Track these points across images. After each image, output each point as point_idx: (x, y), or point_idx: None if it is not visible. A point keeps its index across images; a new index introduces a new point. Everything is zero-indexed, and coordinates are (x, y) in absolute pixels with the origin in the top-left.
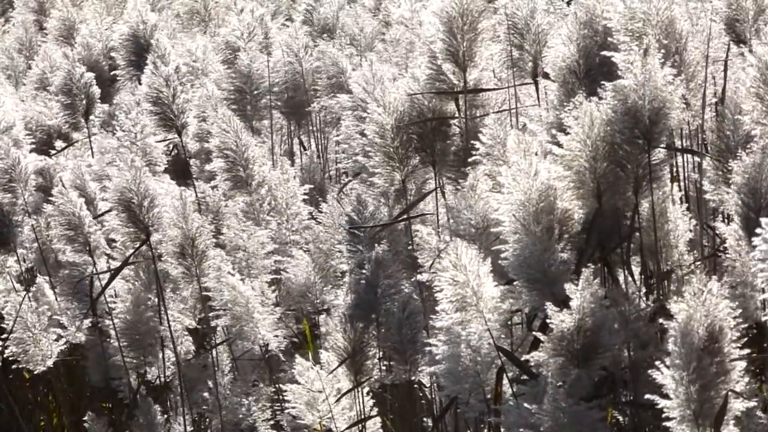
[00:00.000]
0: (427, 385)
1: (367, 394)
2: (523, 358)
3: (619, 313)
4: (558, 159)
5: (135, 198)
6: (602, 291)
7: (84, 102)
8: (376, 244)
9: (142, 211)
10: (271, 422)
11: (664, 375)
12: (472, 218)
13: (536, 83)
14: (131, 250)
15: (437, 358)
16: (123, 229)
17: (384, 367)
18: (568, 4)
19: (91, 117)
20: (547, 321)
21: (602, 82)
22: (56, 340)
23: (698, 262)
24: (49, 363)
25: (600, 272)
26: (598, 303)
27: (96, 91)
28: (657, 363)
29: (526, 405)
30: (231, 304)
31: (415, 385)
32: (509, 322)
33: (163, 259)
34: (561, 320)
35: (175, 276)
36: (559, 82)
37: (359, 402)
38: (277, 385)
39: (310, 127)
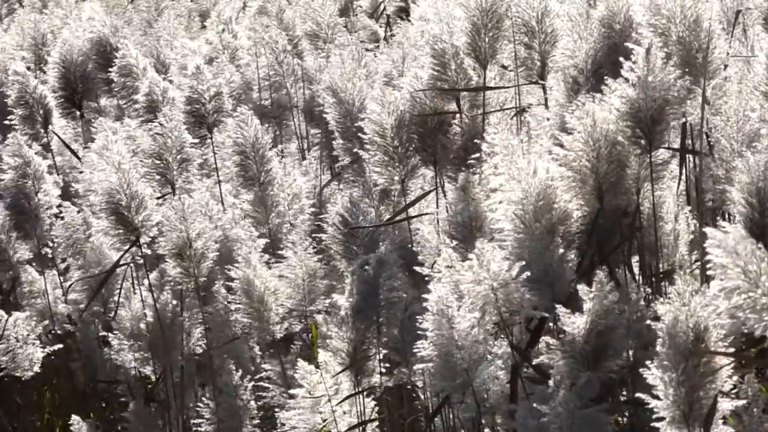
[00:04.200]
0: (420, 386)
1: (368, 396)
2: (535, 362)
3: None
4: (560, 158)
5: (123, 200)
6: (615, 295)
7: (42, 113)
8: (380, 244)
9: (131, 213)
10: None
11: (654, 376)
12: (464, 219)
13: (544, 83)
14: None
15: (426, 357)
16: (112, 232)
17: (384, 369)
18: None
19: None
20: (558, 324)
21: (607, 82)
22: (42, 346)
23: (698, 263)
24: (36, 369)
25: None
26: (610, 306)
27: (52, 102)
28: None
29: (535, 406)
30: (249, 298)
31: (409, 386)
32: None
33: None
34: (572, 322)
35: (173, 276)
36: (566, 80)
37: (359, 404)
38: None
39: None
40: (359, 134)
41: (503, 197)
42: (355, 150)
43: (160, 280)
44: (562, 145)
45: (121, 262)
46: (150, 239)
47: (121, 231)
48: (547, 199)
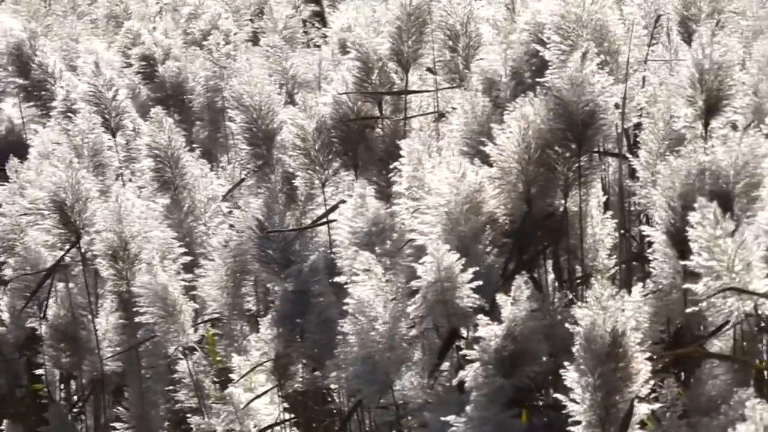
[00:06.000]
0: (335, 390)
1: (284, 399)
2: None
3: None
4: (492, 156)
5: (68, 199)
6: (534, 303)
7: None
8: (296, 249)
9: (74, 213)
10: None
11: (571, 380)
12: (362, 226)
13: (465, 87)
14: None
15: (347, 361)
16: (54, 230)
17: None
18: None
19: None
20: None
21: (532, 86)
22: None
23: (616, 267)
24: None
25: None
26: (529, 312)
27: None
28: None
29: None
30: (159, 301)
31: (324, 390)
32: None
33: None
34: (490, 329)
35: (106, 278)
36: (484, 85)
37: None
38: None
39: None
40: (269, 139)
41: (431, 201)
42: (263, 154)
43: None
44: (489, 140)
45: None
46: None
47: (62, 230)
48: (475, 203)
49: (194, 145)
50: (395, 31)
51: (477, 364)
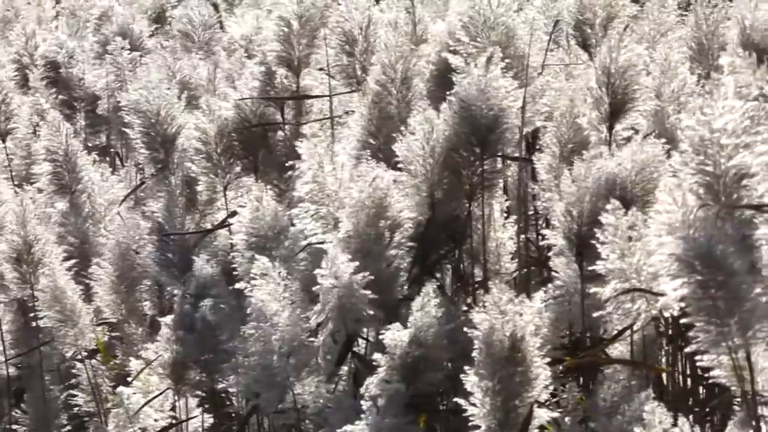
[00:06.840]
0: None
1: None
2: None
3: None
4: (399, 159)
5: None
6: (439, 306)
7: None
8: (195, 253)
9: None
10: None
11: (471, 384)
12: (259, 230)
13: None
14: None
15: (246, 366)
16: None
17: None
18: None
19: None
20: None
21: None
22: None
23: (516, 272)
24: None
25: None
26: (436, 318)
27: None
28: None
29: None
30: (58, 305)
31: (222, 394)
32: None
33: None
34: (395, 334)
35: (9, 281)
36: (375, 89)
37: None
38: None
39: None
40: (168, 143)
41: (334, 205)
42: (162, 158)
43: None
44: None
45: None
46: None
47: None
48: (381, 206)
49: (111, 150)
50: (284, 35)
51: (382, 369)
